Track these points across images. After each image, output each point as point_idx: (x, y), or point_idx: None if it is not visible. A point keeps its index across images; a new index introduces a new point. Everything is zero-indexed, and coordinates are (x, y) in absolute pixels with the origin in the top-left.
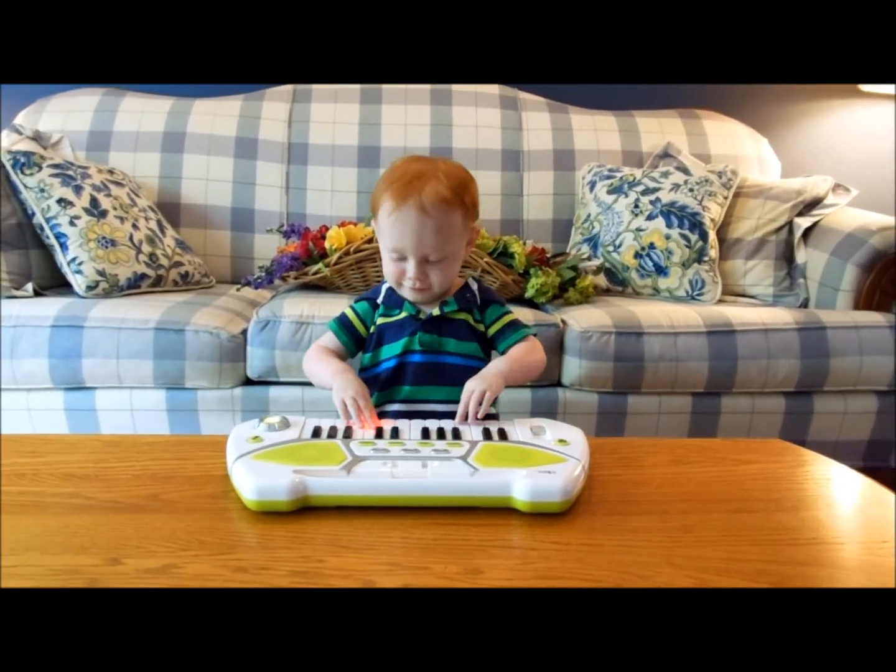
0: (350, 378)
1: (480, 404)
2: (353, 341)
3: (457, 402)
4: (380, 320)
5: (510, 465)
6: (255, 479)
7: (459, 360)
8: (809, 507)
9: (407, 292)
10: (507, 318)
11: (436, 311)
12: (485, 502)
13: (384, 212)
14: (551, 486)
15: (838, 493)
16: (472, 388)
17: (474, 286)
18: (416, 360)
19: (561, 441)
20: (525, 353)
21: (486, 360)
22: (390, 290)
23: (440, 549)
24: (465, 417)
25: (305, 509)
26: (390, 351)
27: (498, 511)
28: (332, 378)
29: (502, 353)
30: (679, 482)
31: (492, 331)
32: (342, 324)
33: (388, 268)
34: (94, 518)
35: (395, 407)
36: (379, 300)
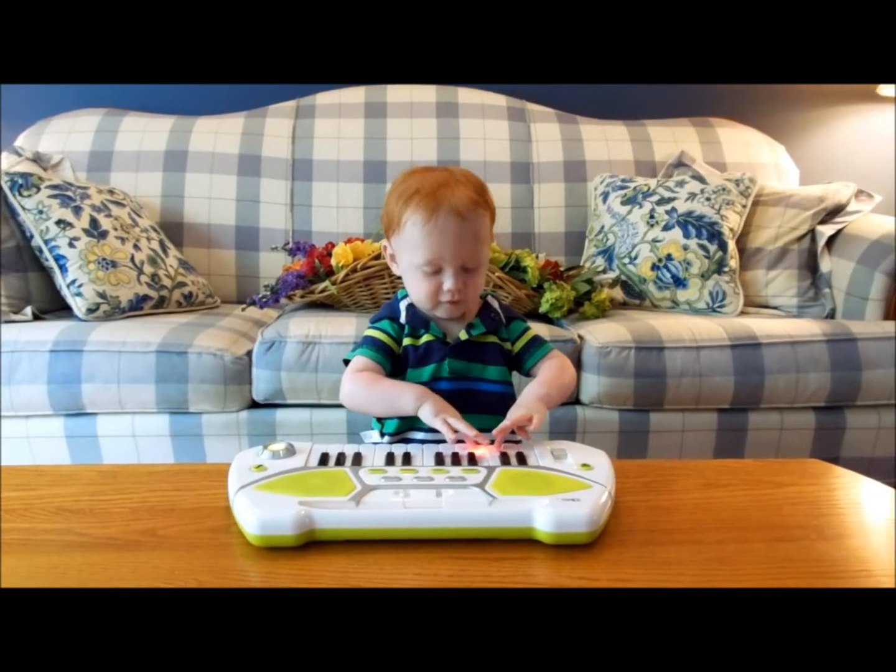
0: (439, 398)
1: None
2: (391, 363)
3: (488, 430)
4: (405, 341)
5: (531, 493)
6: (258, 511)
7: (490, 385)
8: (854, 534)
9: (442, 309)
10: (529, 334)
11: (463, 335)
12: (504, 534)
13: (414, 225)
14: (576, 514)
15: (883, 517)
16: (517, 413)
17: (495, 304)
18: (444, 388)
19: (584, 465)
20: (559, 373)
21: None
22: (412, 308)
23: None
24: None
25: (312, 544)
26: (416, 377)
27: (519, 543)
28: (415, 399)
29: (528, 370)
30: (712, 508)
31: (517, 347)
32: (377, 347)
33: (420, 285)
34: (86, 556)
35: (420, 436)
36: (402, 320)
